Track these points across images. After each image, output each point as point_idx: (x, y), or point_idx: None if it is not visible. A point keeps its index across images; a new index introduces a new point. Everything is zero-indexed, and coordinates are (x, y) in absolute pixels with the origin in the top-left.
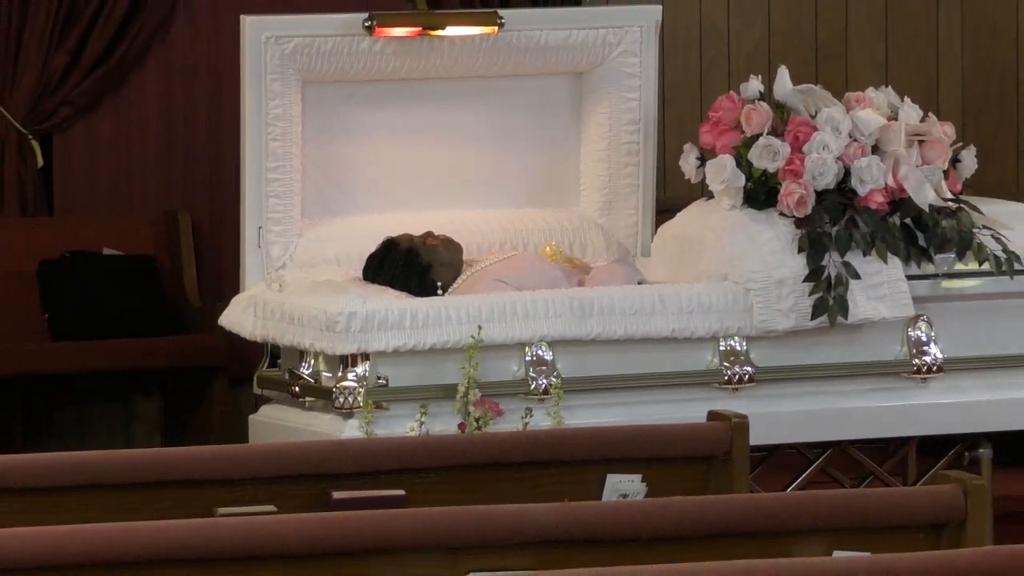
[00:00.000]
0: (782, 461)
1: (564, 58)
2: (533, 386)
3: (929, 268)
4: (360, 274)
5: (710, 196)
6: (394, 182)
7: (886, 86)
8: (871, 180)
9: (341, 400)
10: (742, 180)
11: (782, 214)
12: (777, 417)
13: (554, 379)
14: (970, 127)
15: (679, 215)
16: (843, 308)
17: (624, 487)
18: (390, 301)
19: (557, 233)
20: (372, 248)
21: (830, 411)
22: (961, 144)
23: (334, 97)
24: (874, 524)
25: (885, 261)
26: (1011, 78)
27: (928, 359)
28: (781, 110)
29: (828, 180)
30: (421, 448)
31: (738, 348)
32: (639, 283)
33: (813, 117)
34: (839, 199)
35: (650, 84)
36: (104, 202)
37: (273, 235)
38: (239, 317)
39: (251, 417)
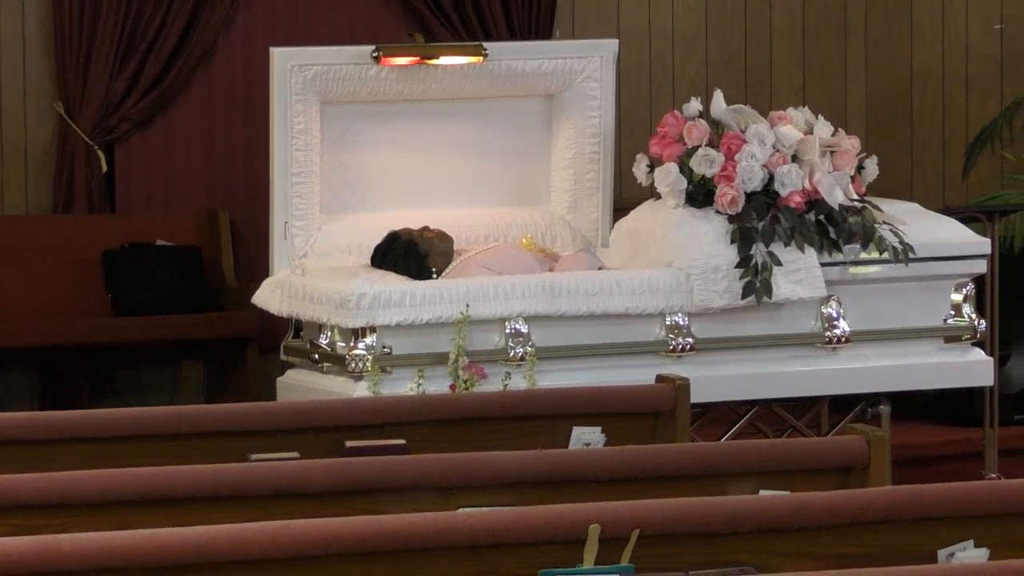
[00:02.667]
0: (717, 416)
1: (537, 83)
2: (512, 354)
3: (839, 257)
4: (368, 261)
5: (658, 197)
6: (397, 185)
7: (803, 106)
8: (791, 184)
9: (353, 365)
10: (684, 184)
11: (717, 212)
12: (713, 380)
13: (529, 348)
14: (872, 140)
15: (632, 213)
16: (768, 289)
17: (586, 437)
18: (393, 283)
19: (531, 227)
20: (378, 240)
21: (757, 375)
22: (865, 154)
23: (347, 115)
24: (793, 468)
25: (802, 250)
26: (905, 100)
27: (838, 332)
28: (717, 126)
29: (755, 184)
30: (419, 405)
31: (681, 323)
32: (599, 269)
33: (743, 132)
34: (764, 199)
35: (608, 104)
36: (157, 201)
37: (296, 229)
38: (268, 297)
39: (279, 379)
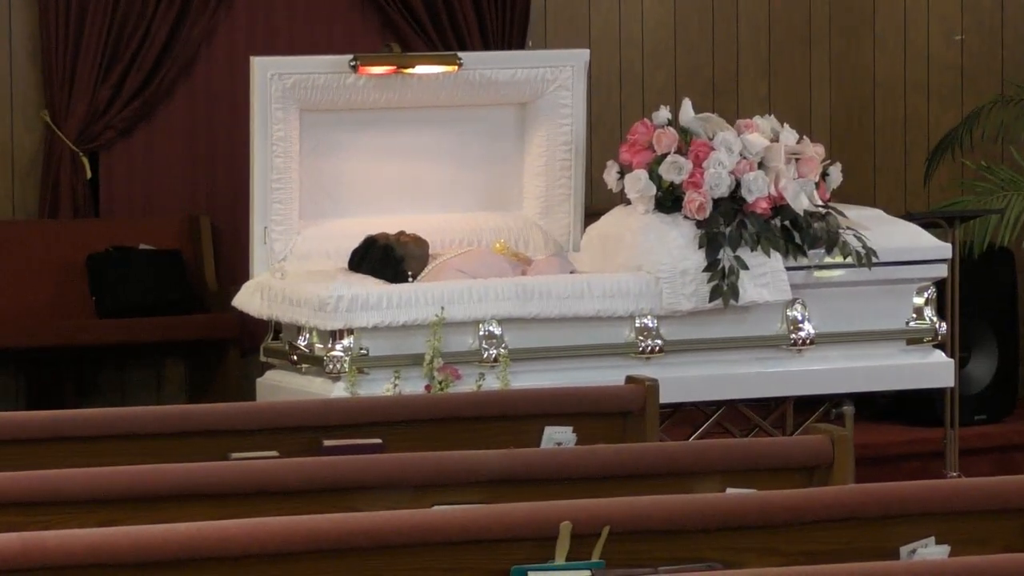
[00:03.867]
0: (685, 416)
1: (510, 92)
2: (485, 355)
3: (804, 261)
4: (346, 265)
5: (628, 203)
6: (374, 191)
7: (769, 115)
8: (757, 190)
9: (331, 367)
10: (653, 190)
11: (686, 217)
12: (681, 381)
13: (502, 350)
14: (836, 147)
15: (603, 218)
16: (734, 293)
17: (558, 437)
18: (370, 287)
19: (505, 232)
20: (356, 244)
21: (724, 376)
22: (829, 161)
23: (326, 122)
24: (759, 466)
25: (768, 255)
26: (868, 109)
27: (803, 334)
28: (685, 134)
29: (723, 190)
30: (395, 405)
31: (650, 325)
32: (571, 273)
33: (711, 140)
34: (731, 205)
35: (580, 113)
36: (140, 207)
37: (276, 233)
38: (248, 299)
39: (258, 380)
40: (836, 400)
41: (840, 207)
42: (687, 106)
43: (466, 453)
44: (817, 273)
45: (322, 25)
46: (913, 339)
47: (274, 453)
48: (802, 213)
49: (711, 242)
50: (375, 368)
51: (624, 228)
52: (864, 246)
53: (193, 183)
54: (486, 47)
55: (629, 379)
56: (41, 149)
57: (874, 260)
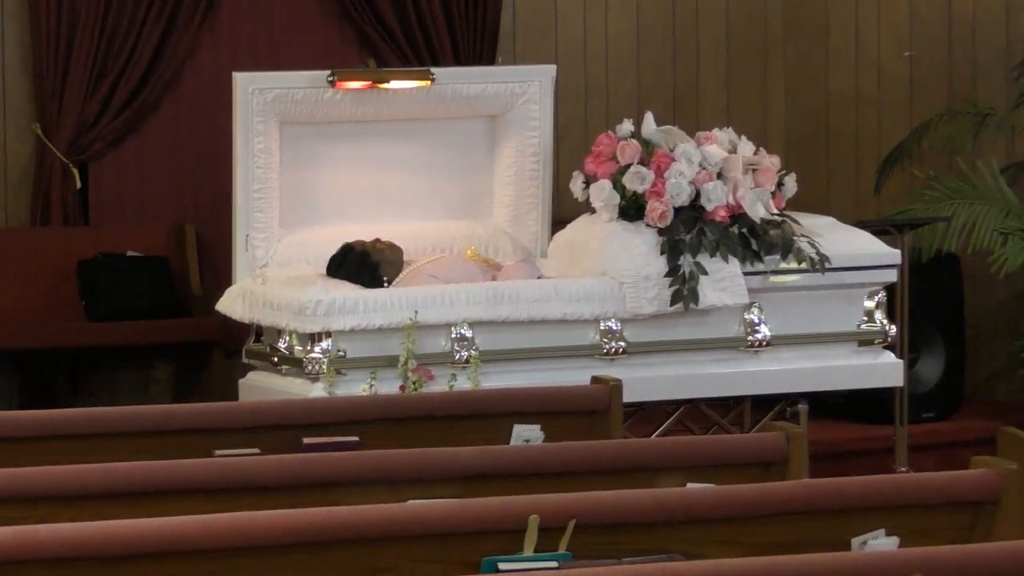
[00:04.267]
0: (648, 414)
1: (481, 105)
2: (457, 357)
3: (760, 266)
4: (325, 271)
5: (593, 211)
6: (351, 200)
7: (727, 127)
8: (716, 199)
9: (310, 368)
10: (617, 199)
11: (648, 225)
12: (644, 381)
13: (473, 352)
14: (791, 158)
15: (569, 226)
16: (694, 297)
17: (527, 434)
18: (347, 291)
19: (476, 239)
20: (334, 251)
21: (685, 376)
22: (784, 171)
23: (305, 135)
24: (718, 462)
25: (727, 261)
26: (822, 122)
27: (759, 336)
28: (647, 145)
29: (683, 199)
30: (371, 405)
31: (614, 328)
32: (539, 278)
33: (672, 151)
34: (692, 214)
35: (547, 125)
36: (128, 215)
37: (257, 241)
38: (231, 304)
39: (241, 381)
40: (791, 399)
41: (795, 215)
42: (649, 119)
43: (439, 450)
44: (773, 278)
45: (302, 41)
46: (864, 341)
47: (256, 451)
48: (759, 221)
49: (672, 249)
50: (352, 369)
51: (589, 235)
52: (818, 252)
53: (179, 193)
54: (458, 63)
55: (594, 379)
56: (33, 160)
57: (827, 266)
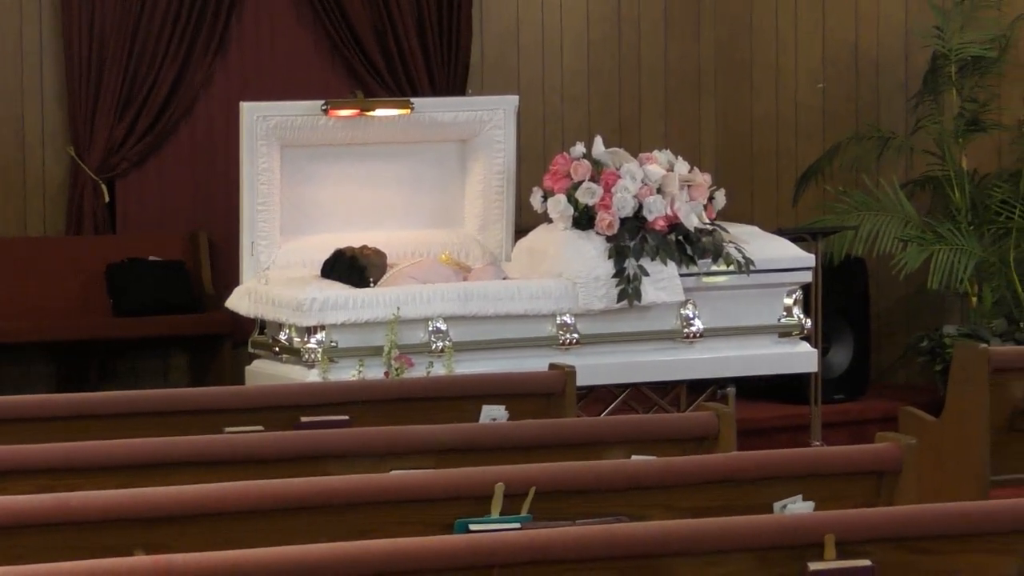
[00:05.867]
0: (598, 396)
1: (454, 130)
2: (433, 347)
3: (694, 269)
4: (319, 273)
5: (550, 221)
6: (342, 212)
7: (666, 149)
8: (656, 211)
9: (307, 356)
10: (571, 211)
11: (598, 233)
12: (595, 367)
13: (447, 342)
14: (721, 176)
15: (530, 234)
16: (638, 295)
17: (494, 413)
18: (339, 290)
19: (449, 246)
20: (326, 256)
21: (630, 363)
22: (715, 187)
23: (302, 156)
24: (658, 438)
25: (665, 264)
26: (748, 144)
27: (694, 328)
28: (597, 165)
29: (628, 211)
30: (360, 388)
31: (569, 322)
32: (504, 279)
33: (618, 170)
34: (635, 223)
35: (511, 148)
36: (150, 225)
37: (261, 247)
38: (239, 301)
39: (247, 368)
40: (721, 383)
41: (724, 224)
42: (599, 142)
43: (418, 427)
44: (705, 279)
45: (299, 75)
46: (784, 333)
47: (260, 428)
48: (693, 230)
49: (618, 253)
50: (343, 357)
51: (547, 242)
52: (744, 256)
53: (194, 205)
54: (434, 93)
55: (551, 366)
56: (67, 178)
57: (752, 268)
